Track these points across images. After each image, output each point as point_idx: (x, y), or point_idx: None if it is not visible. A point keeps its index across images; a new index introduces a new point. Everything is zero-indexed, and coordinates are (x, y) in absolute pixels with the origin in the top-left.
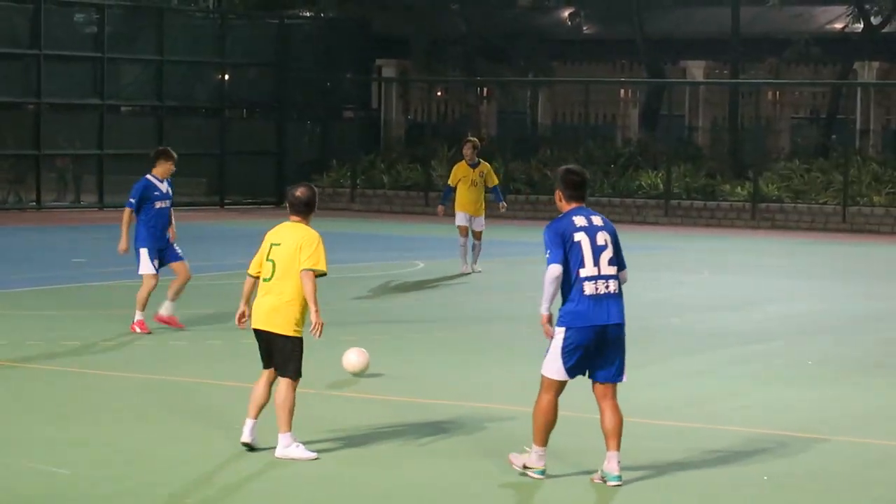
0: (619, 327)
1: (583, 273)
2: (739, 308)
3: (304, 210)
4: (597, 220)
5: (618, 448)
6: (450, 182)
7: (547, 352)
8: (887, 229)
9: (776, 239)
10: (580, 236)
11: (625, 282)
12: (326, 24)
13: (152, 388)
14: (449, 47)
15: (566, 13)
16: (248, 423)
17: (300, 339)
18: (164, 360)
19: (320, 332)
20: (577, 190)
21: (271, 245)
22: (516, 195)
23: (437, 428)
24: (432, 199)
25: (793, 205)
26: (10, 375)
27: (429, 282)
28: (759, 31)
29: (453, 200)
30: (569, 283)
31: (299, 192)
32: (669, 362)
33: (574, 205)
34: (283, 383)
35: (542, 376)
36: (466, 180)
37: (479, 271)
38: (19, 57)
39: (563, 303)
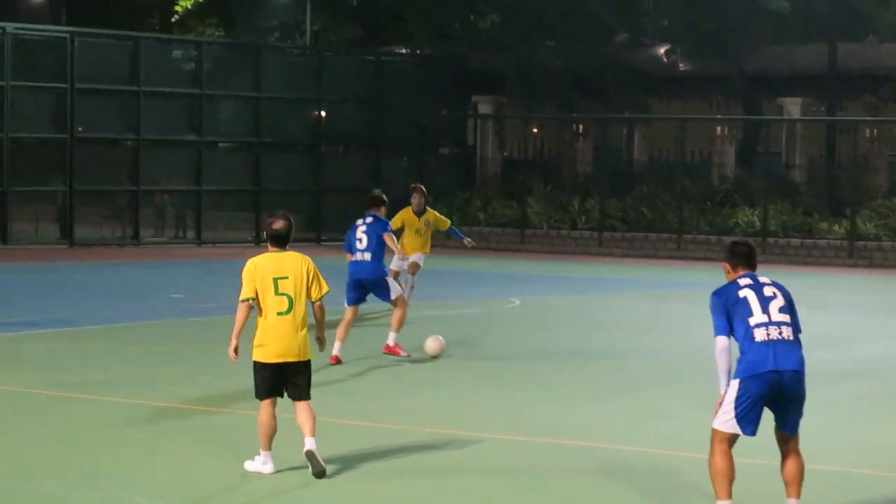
0: (798, 374)
1: (752, 321)
2: (837, 346)
3: (286, 242)
4: (765, 280)
5: (798, 496)
6: (392, 228)
7: (720, 404)
8: None
9: (874, 277)
10: (745, 293)
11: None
12: (422, 61)
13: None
14: (544, 84)
15: (662, 50)
16: (269, 455)
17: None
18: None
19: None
20: (746, 258)
21: (276, 279)
22: (612, 232)
23: (549, 469)
24: (528, 236)
25: (890, 243)
26: (109, 409)
27: (525, 318)
28: (857, 68)
29: None
30: (741, 339)
31: (278, 224)
32: None
33: (742, 271)
34: (306, 405)
35: (713, 430)
36: (411, 228)
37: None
38: (118, 93)
39: (738, 358)
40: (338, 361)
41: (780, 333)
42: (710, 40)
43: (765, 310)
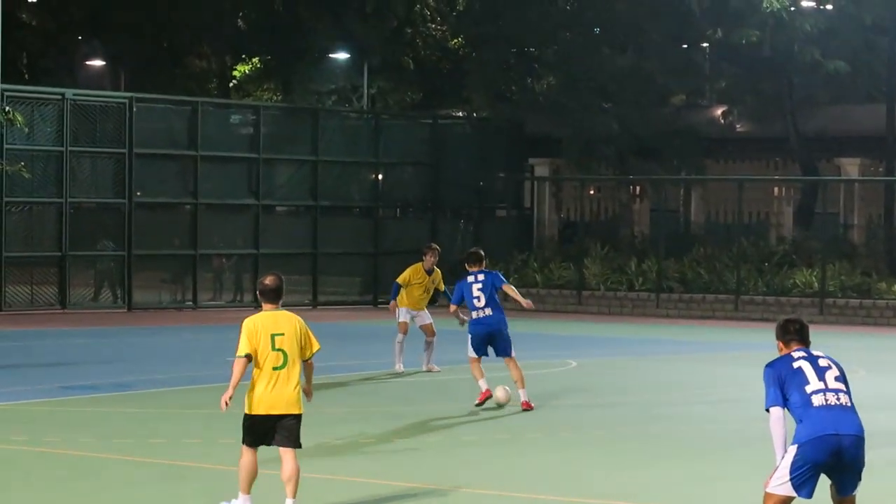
0: (857, 439)
1: (808, 389)
2: (894, 407)
3: (278, 297)
4: (818, 353)
5: None
6: (400, 281)
7: (775, 469)
8: None
9: None
10: (800, 363)
11: None
12: (479, 124)
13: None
14: (601, 146)
15: (719, 111)
16: (247, 498)
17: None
18: (321, 454)
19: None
20: (798, 334)
21: (273, 335)
22: (669, 293)
23: None
24: (585, 297)
25: None
26: (169, 472)
27: (582, 380)
28: None
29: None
30: (797, 407)
31: (270, 280)
32: None
33: (795, 346)
34: (292, 455)
35: (766, 493)
36: (420, 286)
37: (438, 371)
38: (177, 158)
39: (797, 427)
40: (488, 397)
41: (838, 399)
42: (768, 101)
43: (821, 378)
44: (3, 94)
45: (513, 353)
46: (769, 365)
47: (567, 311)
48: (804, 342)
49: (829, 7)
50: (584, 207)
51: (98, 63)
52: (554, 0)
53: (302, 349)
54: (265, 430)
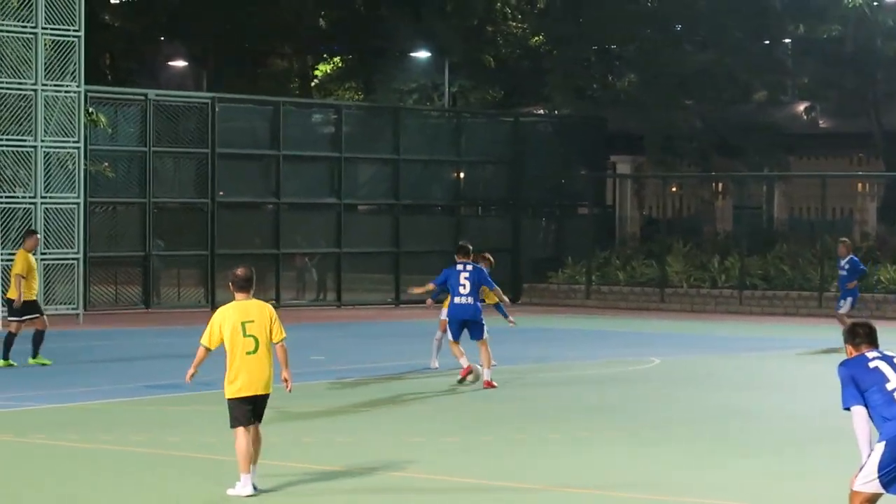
0: None
1: (889, 386)
2: None
3: (249, 287)
4: (891, 353)
5: None
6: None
7: (861, 466)
8: None
9: None
10: (876, 363)
11: None
12: (560, 122)
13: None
14: (683, 143)
15: (801, 107)
16: (248, 476)
17: None
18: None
19: (291, 386)
20: (868, 338)
21: (243, 322)
22: (752, 290)
23: None
24: (668, 294)
25: None
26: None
27: (664, 378)
28: None
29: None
30: (879, 405)
31: (241, 272)
32: None
33: (865, 349)
34: (257, 430)
35: (853, 492)
36: None
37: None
38: (259, 157)
39: (882, 424)
40: (469, 372)
41: None
42: (851, 97)
43: None
44: (86, 96)
45: (484, 337)
46: (842, 365)
47: (649, 308)
48: (873, 344)
49: None
50: (666, 204)
51: (180, 64)
52: None
53: (271, 335)
54: (250, 411)
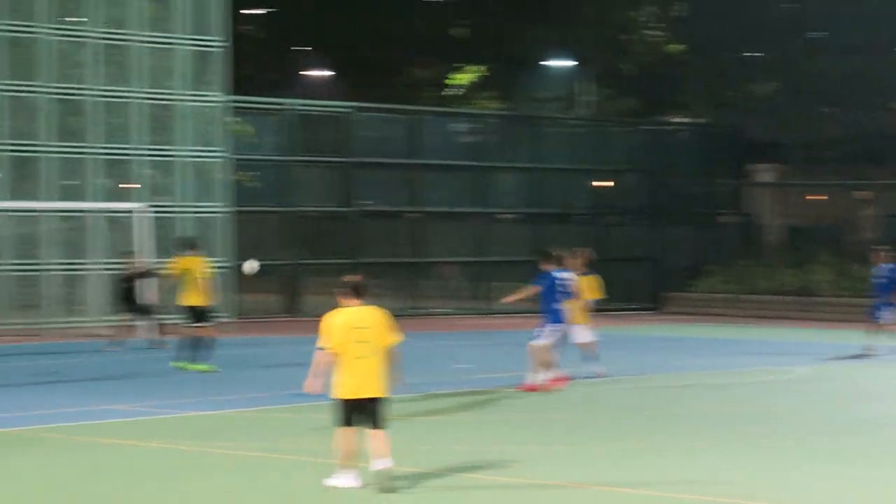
0: None
1: None
2: None
3: (362, 293)
4: None
5: None
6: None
7: None
8: None
9: None
10: None
11: None
12: (700, 131)
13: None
14: (825, 150)
15: None
16: (348, 470)
17: None
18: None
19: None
20: None
21: (355, 328)
22: None
23: None
24: (812, 303)
25: None
26: (405, 479)
27: (804, 388)
28: None
29: None
30: None
31: (352, 279)
32: None
33: None
34: (379, 432)
35: None
36: None
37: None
38: (401, 166)
39: None
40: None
41: None
42: None
43: None
44: (229, 106)
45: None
46: None
47: (790, 317)
48: None
49: None
50: (808, 213)
51: (320, 73)
52: (775, 4)
53: (383, 339)
54: (351, 413)
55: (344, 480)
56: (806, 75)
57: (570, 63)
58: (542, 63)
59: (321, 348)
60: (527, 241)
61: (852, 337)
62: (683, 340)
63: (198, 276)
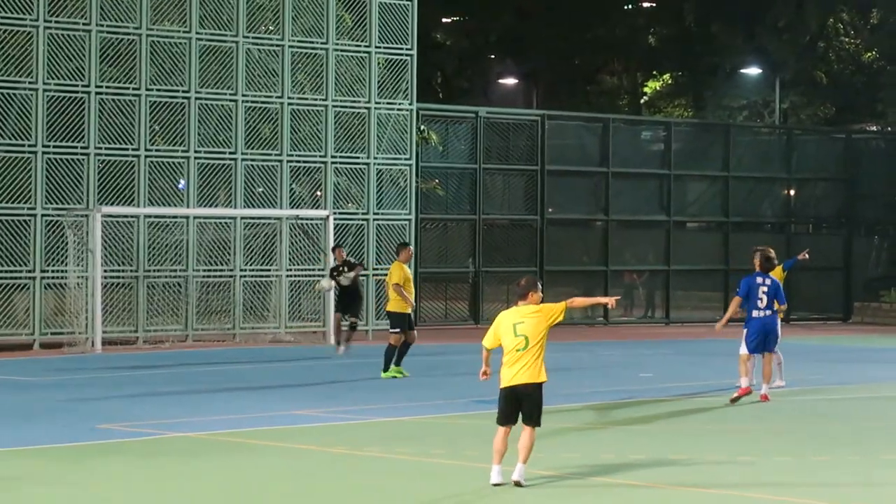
0: None
1: None
2: None
3: (526, 293)
4: None
5: None
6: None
7: None
8: None
9: None
10: None
11: None
12: (893, 138)
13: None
14: None
15: None
16: (498, 467)
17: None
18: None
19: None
20: None
21: (515, 324)
22: None
23: None
24: None
25: None
26: (591, 487)
27: None
28: None
29: None
30: None
31: (521, 280)
32: None
33: None
34: (528, 431)
35: None
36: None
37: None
38: (588, 174)
39: None
40: (747, 393)
41: None
42: None
43: None
44: (418, 114)
45: (775, 350)
46: None
47: None
48: None
49: None
50: None
51: (511, 81)
52: None
53: (548, 323)
54: (512, 408)
55: (494, 477)
56: None
57: (763, 70)
58: (734, 70)
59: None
60: (715, 250)
61: None
62: (873, 351)
63: (396, 282)
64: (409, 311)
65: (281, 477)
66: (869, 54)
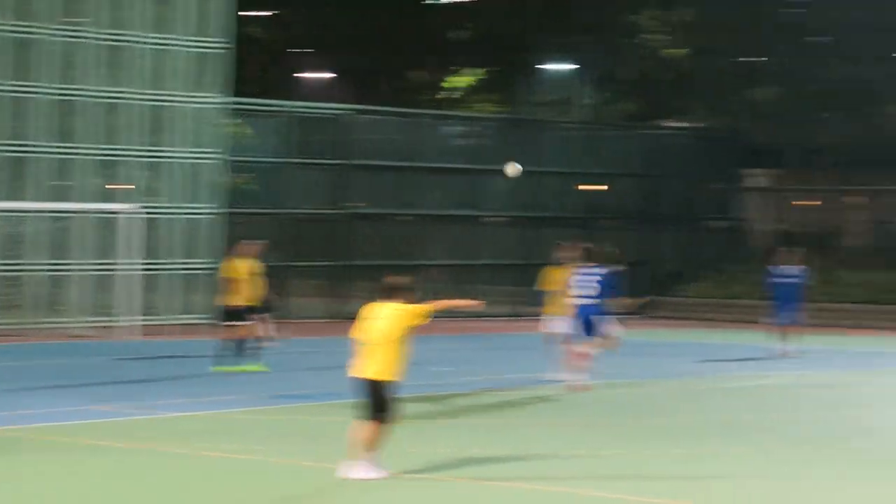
0: None
1: None
2: None
3: (389, 293)
4: None
5: None
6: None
7: None
8: None
9: None
10: None
11: None
12: (697, 135)
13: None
14: (821, 156)
15: None
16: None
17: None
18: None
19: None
20: None
21: (369, 319)
22: (884, 305)
23: None
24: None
25: None
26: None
27: (794, 392)
28: None
29: None
30: None
31: (392, 279)
32: None
33: None
34: (363, 424)
35: None
36: None
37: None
38: (397, 169)
39: None
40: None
41: None
42: None
43: None
44: (228, 108)
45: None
46: None
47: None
48: None
49: None
50: (801, 218)
51: (323, 76)
52: (776, 10)
53: (405, 324)
54: (359, 400)
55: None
56: (805, 81)
57: (569, 67)
58: (541, 67)
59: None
60: (517, 245)
61: (836, 341)
62: (669, 346)
63: (234, 277)
64: (241, 304)
65: (66, 474)
66: (675, 51)
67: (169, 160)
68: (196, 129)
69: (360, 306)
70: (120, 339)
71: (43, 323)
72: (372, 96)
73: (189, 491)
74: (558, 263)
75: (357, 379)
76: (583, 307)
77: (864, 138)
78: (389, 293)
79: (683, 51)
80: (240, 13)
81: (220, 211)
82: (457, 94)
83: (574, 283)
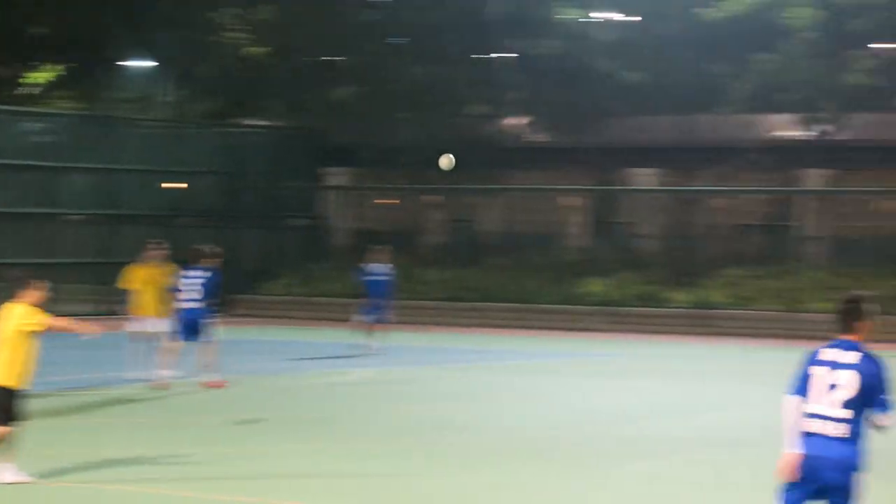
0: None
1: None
2: (682, 414)
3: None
4: (847, 358)
5: None
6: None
7: None
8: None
9: (721, 346)
10: (814, 370)
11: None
12: (276, 134)
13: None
14: (399, 155)
15: (518, 122)
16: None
17: None
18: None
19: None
20: (840, 320)
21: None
22: (462, 303)
23: None
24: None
25: (739, 311)
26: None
27: (374, 388)
28: (709, 139)
29: None
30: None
31: (21, 275)
32: (615, 469)
33: (837, 337)
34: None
35: None
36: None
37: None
38: None
39: None
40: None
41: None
42: (566, 112)
43: (822, 397)
44: None
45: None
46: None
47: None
48: (848, 331)
49: (628, 19)
50: (381, 216)
51: None
52: (357, 10)
53: (15, 329)
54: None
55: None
56: (385, 81)
57: (150, 64)
58: (122, 63)
59: None
60: (97, 243)
61: (416, 338)
62: (247, 343)
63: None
64: None
65: None
66: (255, 49)
67: None
68: None
69: None
70: None
71: None
72: None
73: None
74: (143, 262)
75: None
76: (188, 310)
77: (442, 138)
78: (19, 292)
79: (264, 49)
80: None
81: None
82: (36, 91)
83: (180, 284)
